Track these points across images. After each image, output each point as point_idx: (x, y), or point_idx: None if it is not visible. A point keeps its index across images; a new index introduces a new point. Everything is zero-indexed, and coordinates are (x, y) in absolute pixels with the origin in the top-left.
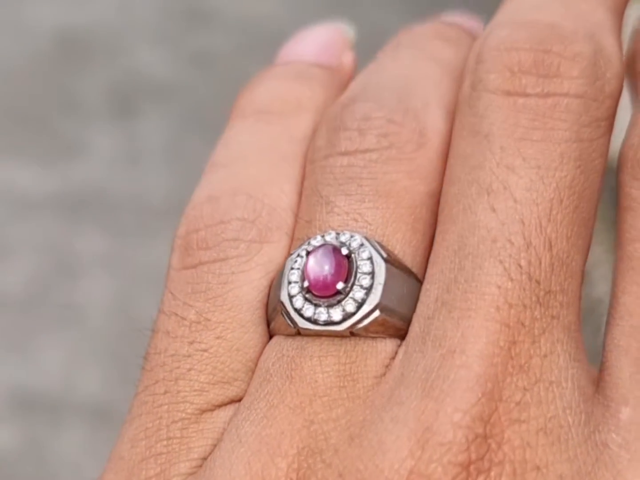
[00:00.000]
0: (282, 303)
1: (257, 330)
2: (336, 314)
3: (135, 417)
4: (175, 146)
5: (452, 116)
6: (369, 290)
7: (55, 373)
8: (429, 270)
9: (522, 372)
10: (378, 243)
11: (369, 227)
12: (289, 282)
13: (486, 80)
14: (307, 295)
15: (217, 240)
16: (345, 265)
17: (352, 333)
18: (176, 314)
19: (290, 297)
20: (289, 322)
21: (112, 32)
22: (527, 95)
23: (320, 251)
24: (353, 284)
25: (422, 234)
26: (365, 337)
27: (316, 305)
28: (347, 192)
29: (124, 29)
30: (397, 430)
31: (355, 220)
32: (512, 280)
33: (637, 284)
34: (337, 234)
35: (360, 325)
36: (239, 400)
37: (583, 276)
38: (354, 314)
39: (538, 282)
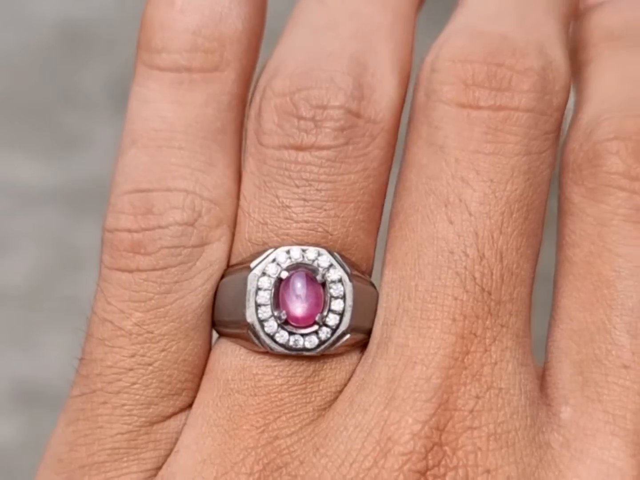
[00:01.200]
0: (249, 324)
1: (201, 337)
2: (311, 342)
3: (72, 421)
4: None
5: (405, 72)
6: (341, 315)
7: (57, 366)
8: (388, 274)
9: (475, 381)
10: (341, 256)
11: (329, 237)
12: (258, 305)
13: (440, 92)
14: (282, 324)
15: (155, 246)
16: (322, 295)
17: (322, 354)
18: (111, 322)
19: (261, 320)
20: (258, 343)
21: (114, 24)
22: (479, 107)
23: (295, 280)
24: (328, 311)
25: (374, 235)
26: (333, 355)
27: (291, 333)
28: (304, 197)
29: (126, 21)
30: (361, 439)
31: (315, 230)
32: (467, 292)
33: (576, 289)
34: (303, 250)
35: (332, 348)
36: (189, 406)
37: (533, 283)
38: (327, 339)
39: (489, 293)
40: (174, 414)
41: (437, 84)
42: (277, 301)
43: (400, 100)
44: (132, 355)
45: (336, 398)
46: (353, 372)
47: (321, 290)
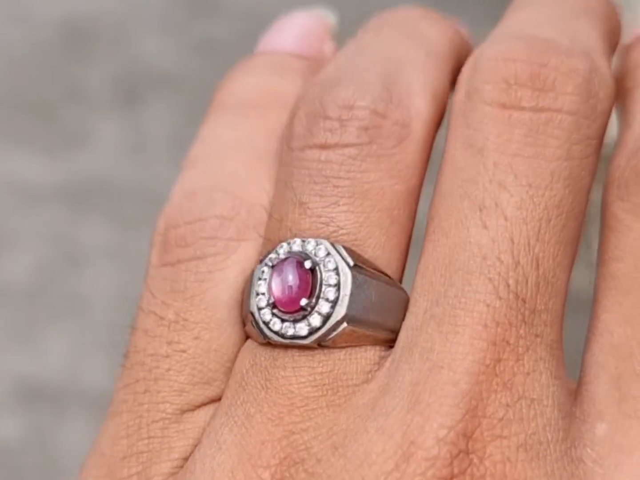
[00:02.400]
0: (251, 314)
1: (234, 331)
2: (302, 328)
3: (117, 414)
4: (180, 135)
5: (437, 101)
6: (334, 303)
7: (59, 363)
8: (418, 279)
9: (506, 389)
10: (347, 249)
11: (339, 231)
12: (257, 294)
13: (482, 91)
14: (274, 311)
15: (194, 237)
16: (309, 280)
17: (320, 345)
18: (155, 313)
19: (259, 309)
20: (259, 333)
21: (117, 21)
22: (521, 108)
23: (284, 266)
24: (319, 297)
25: (398, 238)
26: (337, 347)
27: (283, 320)
28: (321, 193)
29: (129, 17)
30: (382, 442)
31: (326, 224)
32: (500, 298)
33: (618, 303)
34: (303, 241)
35: (328, 338)
36: (219, 399)
37: (567, 294)
38: (320, 328)
39: (524, 301)
40: (204, 403)
41: (478, 83)
42: (270, 289)
43: (432, 118)
44: (169, 343)
45: (352, 394)
46: (370, 370)
47: (308, 276)
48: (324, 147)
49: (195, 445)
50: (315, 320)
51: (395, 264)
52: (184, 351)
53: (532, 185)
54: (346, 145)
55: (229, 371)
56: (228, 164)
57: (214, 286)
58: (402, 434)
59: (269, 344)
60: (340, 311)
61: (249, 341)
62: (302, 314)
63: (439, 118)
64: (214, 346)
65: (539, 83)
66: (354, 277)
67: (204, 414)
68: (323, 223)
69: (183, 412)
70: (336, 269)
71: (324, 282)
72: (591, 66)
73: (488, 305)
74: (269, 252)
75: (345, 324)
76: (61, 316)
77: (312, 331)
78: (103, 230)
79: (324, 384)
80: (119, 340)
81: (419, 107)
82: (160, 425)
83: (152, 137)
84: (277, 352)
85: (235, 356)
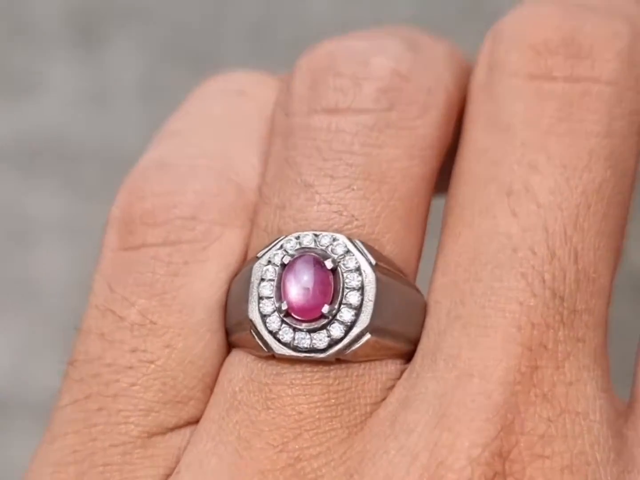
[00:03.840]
0: (251, 322)
1: (213, 338)
2: (320, 340)
3: (59, 436)
4: (151, 81)
5: (464, 72)
6: (358, 309)
7: (3, 364)
8: (438, 279)
9: (546, 401)
10: (365, 245)
11: (354, 222)
12: (260, 297)
13: (506, 62)
14: (285, 318)
15: (167, 215)
16: (331, 283)
17: (338, 359)
18: (113, 312)
19: (263, 315)
20: (261, 345)
21: None
22: (553, 79)
23: (300, 265)
24: (340, 304)
25: (416, 231)
26: (356, 361)
27: (296, 329)
28: (331, 174)
29: None
30: (406, 464)
31: (339, 213)
32: (535, 296)
33: None
34: (316, 235)
35: (348, 351)
36: (196, 421)
37: (611, 295)
38: (341, 339)
39: (562, 299)
40: (178, 426)
41: (502, 53)
42: (280, 291)
43: (459, 89)
44: (133, 351)
45: (370, 413)
46: (390, 387)
47: (330, 277)
48: (333, 112)
49: (168, 476)
50: (336, 330)
51: (413, 262)
52: (151, 362)
53: (567, 167)
54: (361, 111)
55: (207, 388)
56: (214, 139)
57: (190, 282)
58: (428, 453)
59: (271, 356)
60: (364, 320)
61: (240, 352)
62: (320, 322)
63: (464, 93)
64: (189, 357)
65: (573, 49)
66: (377, 279)
67: (178, 438)
68: (335, 212)
69: (151, 435)
70: (358, 269)
71: (345, 284)
72: (634, 31)
73: (521, 304)
74: (270, 246)
75: (369, 335)
76: (5, 306)
77: (332, 343)
78: (56, 199)
79: (340, 404)
80: (75, 334)
81: (444, 79)
82: (121, 450)
83: (116, 84)
84: (281, 367)
85: (217, 370)
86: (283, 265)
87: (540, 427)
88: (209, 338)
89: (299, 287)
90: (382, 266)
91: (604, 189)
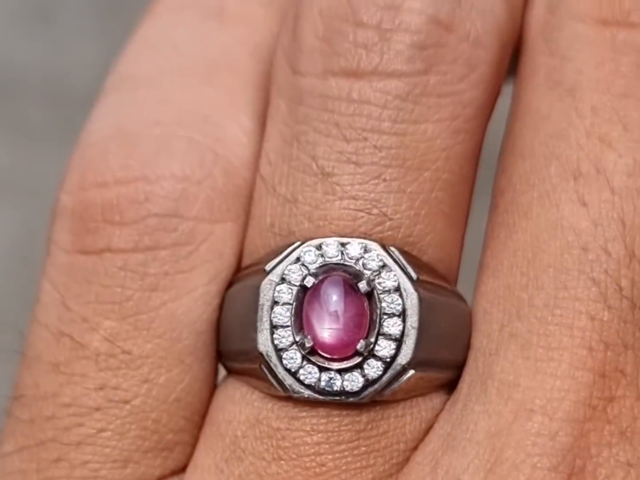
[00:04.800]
0: (262, 356)
1: (202, 367)
2: (355, 382)
3: None
4: None
5: (516, 10)
6: (399, 341)
7: None
8: (487, 281)
9: (624, 441)
10: (402, 252)
11: (387, 223)
12: (274, 326)
13: (571, 2)
14: (309, 356)
15: (138, 211)
16: (366, 312)
17: (373, 400)
18: (70, 337)
19: (278, 349)
20: (276, 385)
21: None
22: (631, 26)
23: (326, 289)
24: (378, 335)
25: (459, 226)
26: (395, 401)
27: (322, 369)
28: (356, 159)
29: None
30: None
31: (368, 211)
32: (609, 308)
33: None
34: (343, 244)
35: (387, 391)
36: (183, 469)
37: None
38: (378, 378)
39: None
40: (162, 477)
41: None
42: (301, 321)
43: (509, 27)
44: (101, 388)
45: (410, 458)
46: (434, 421)
47: (365, 303)
48: (355, 74)
49: None
50: (373, 368)
51: (456, 264)
52: (127, 402)
53: None
54: (390, 75)
55: (196, 428)
56: (190, 88)
57: (172, 299)
58: None
59: (288, 397)
60: (407, 353)
61: (242, 387)
62: (355, 360)
63: (516, 38)
64: (174, 395)
65: None
66: (421, 299)
67: None
68: (363, 210)
69: None
70: (397, 290)
71: (383, 309)
72: None
73: (593, 319)
74: (281, 256)
75: (412, 371)
76: None
77: (369, 384)
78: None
79: (373, 451)
80: (18, 317)
81: (496, 11)
82: None
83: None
84: (298, 410)
85: (205, 405)
86: (303, 288)
87: (617, 475)
88: (197, 368)
89: (328, 320)
90: (424, 280)
91: None
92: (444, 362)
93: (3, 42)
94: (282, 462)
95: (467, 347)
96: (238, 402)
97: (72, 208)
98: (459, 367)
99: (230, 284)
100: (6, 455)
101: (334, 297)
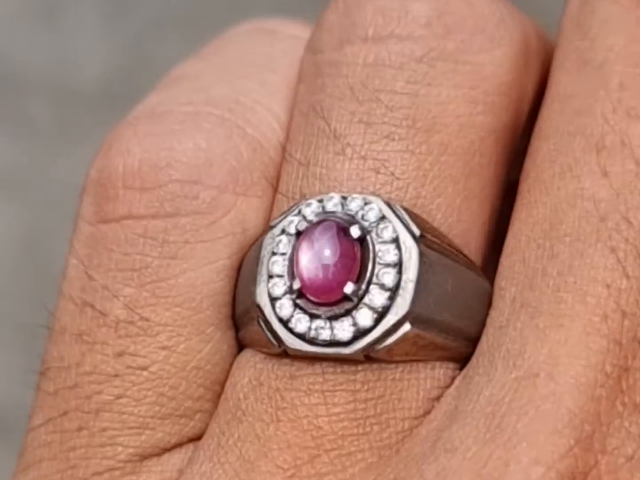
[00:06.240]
0: (259, 308)
1: (224, 338)
2: (344, 330)
3: (32, 464)
4: None
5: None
6: (394, 291)
7: None
8: (503, 260)
9: (638, 414)
10: (408, 211)
11: (395, 183)
12: (270, 276)
13: None
14: (298, 301)
15: (160, 176)
16: (357, 256)
17: (368, 357)
18: (92, 306)
19: (272, 299)
20: (271, 338)
21: None
22: None
23: (318, 233)
24: (369, 283)
25: (481, 202)
26: (392, 361)
27: (313, 316)
28: (367, 119)
29: None
30: None
31: (376, 170)
32: (627, 277)
33: None
34: (344, 198)
35: (381, 345)
36: (200, 437)
37: None
38: (370, 329)
39: None
40: (178, 444)
41: None
42: (294, 267)
43: (540, 41)
44: (119, 355)
45: (408, 431)
46: (437, 396)
47: (356, 248)
48: (371, 40)
49: None
50: (364, 317)
51: (476, 239)
52: (144, 368)
53: None
54: (407, 38)
55: (218, 397)
56: (229, 81)
57: (193, 267)
58: (474, 476)
59: (284, 354)
60: (403, 305)
61: (248, 351)
62: (344, 307)
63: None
64: (193, 362)
65: None
66: (422, 253)
67: (178, 459)
68: (371, 169)
69: (144, 458)
70: (396, 241)
71: (377, 259)
72: None
73: (609, 287)
74: (287, 212)
75: (408, 326)
76: None
77: (359, 334)
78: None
79: (368, 417)
80: (19, 318)
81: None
82: (106, 478)
83: None
84: (296, 367)
85: (227, 376)
86: (298, 234)
87: (628, 447)
88: (218, 337)
89: (314, 260)
90: (430, 239)
91: None
92: (447, 326)
93: (9, 39)
94: (280, 423)
95: (482, 323)
96: (243, 366)
97: (96, 178)
98: (471, 341)
99: None
100: (35, 428)
101: (323, 239)
